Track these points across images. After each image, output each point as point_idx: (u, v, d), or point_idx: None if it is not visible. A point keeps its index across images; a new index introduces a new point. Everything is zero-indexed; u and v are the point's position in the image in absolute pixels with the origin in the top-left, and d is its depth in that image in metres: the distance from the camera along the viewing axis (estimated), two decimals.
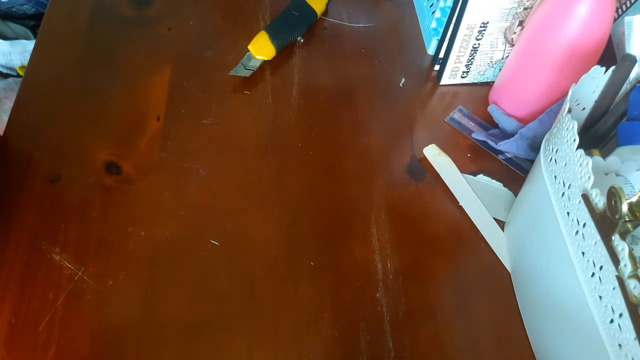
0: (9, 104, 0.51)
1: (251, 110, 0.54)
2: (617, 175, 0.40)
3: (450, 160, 0.51)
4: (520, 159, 0.54)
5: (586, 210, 0.34)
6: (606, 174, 0.41)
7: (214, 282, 0.43)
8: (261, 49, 0.56)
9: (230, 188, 0.48)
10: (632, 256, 0.30)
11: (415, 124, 0.55)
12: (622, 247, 0.30)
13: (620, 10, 0.57)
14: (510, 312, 0.44)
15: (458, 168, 0.51)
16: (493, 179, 0.51)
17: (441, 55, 0.58)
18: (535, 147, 0.52)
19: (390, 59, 0.60)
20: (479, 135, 0.54)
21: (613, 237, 0.31)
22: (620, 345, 0.31)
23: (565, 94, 0.39)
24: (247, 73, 0.55)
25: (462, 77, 0.58)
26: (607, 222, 0.32)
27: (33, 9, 1.02)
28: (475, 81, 0.60)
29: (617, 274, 0.31)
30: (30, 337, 0.39)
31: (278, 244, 0.45)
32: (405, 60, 0.61)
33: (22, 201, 0.45)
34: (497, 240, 0.48)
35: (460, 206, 0.49)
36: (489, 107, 0.56)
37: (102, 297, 0.41)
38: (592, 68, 0.43)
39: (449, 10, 0.55)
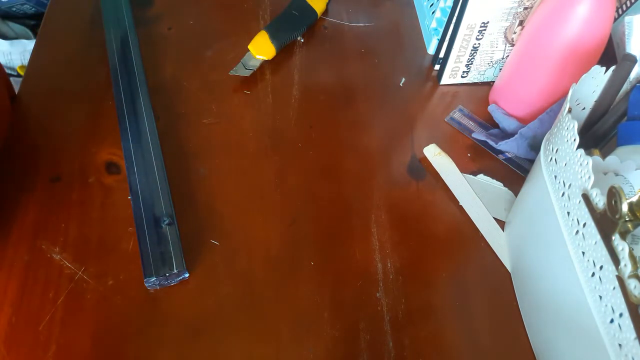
0: None
1: (251, 110, 0.54)
2: (617, 174, 0.40)
3: (451, 160, 0.51)
4: (520, 158, 0.54)
5: (586, 210, 0.34)
6: (605, 174, 0.41)
7: (213, 281, 0.43)
8: (261, 48, 0.56)
9: (230, 188, 0.48)
10: (632, 256, 0.30)
11: (415, 124, 0.55)
12: (622, 246, 0.30)
13: (620, 10, 0.57)
14: (510, 312, 0.44)
15: (458, 168, 0.51)
16: (493, 178, 0.51)
17: (441, 55, 0.58)
18: (535, 147, 0.52)
19: (390, 59, 0.60)
20: (479, 135, 0.54)
21: (613, 237, 0.31)
22: (620, 345, 0.31)
23: (565, 93, 0.40)
24: (247, 73, 0.55)
25: (462, 76, 0.58)
26: (607, 221, 0.32)
27: (33, 9, 1.02)
28: (476, 81, 0.60)
29: (617, 273, 0.31)
30: (30, 337, 0.39)
31: (278, 244, 0.45)
32: (406, 60, 0.61)
33: (22, 201, 0.45)
34: (497, 240, 0.48)
35: (460, 206, 0.49)
36: (489, 107, 0.56)
37: (102, 297, 0.41)
38: (592, 68, 0.43)
39: (449, 10, 0.55)
